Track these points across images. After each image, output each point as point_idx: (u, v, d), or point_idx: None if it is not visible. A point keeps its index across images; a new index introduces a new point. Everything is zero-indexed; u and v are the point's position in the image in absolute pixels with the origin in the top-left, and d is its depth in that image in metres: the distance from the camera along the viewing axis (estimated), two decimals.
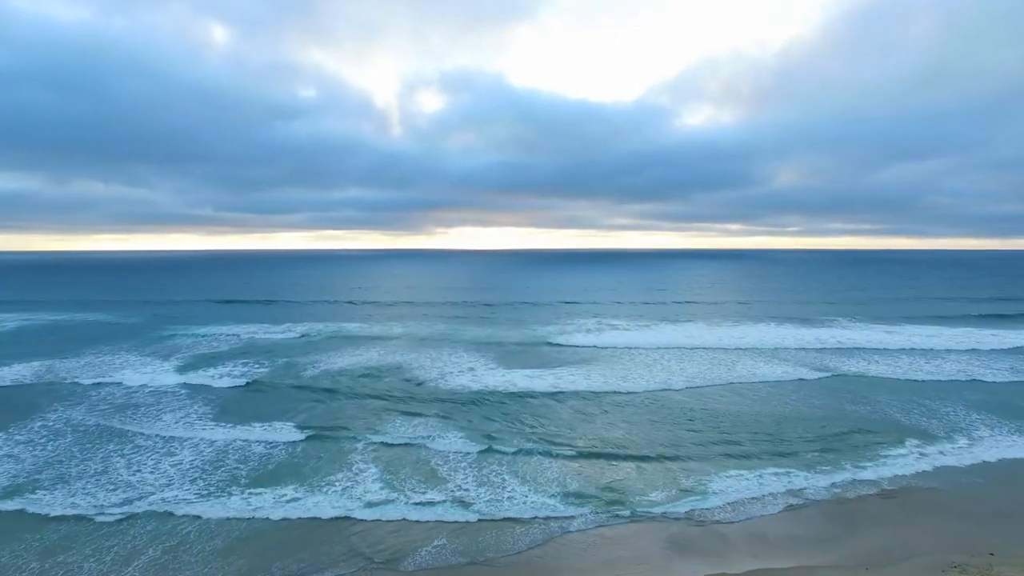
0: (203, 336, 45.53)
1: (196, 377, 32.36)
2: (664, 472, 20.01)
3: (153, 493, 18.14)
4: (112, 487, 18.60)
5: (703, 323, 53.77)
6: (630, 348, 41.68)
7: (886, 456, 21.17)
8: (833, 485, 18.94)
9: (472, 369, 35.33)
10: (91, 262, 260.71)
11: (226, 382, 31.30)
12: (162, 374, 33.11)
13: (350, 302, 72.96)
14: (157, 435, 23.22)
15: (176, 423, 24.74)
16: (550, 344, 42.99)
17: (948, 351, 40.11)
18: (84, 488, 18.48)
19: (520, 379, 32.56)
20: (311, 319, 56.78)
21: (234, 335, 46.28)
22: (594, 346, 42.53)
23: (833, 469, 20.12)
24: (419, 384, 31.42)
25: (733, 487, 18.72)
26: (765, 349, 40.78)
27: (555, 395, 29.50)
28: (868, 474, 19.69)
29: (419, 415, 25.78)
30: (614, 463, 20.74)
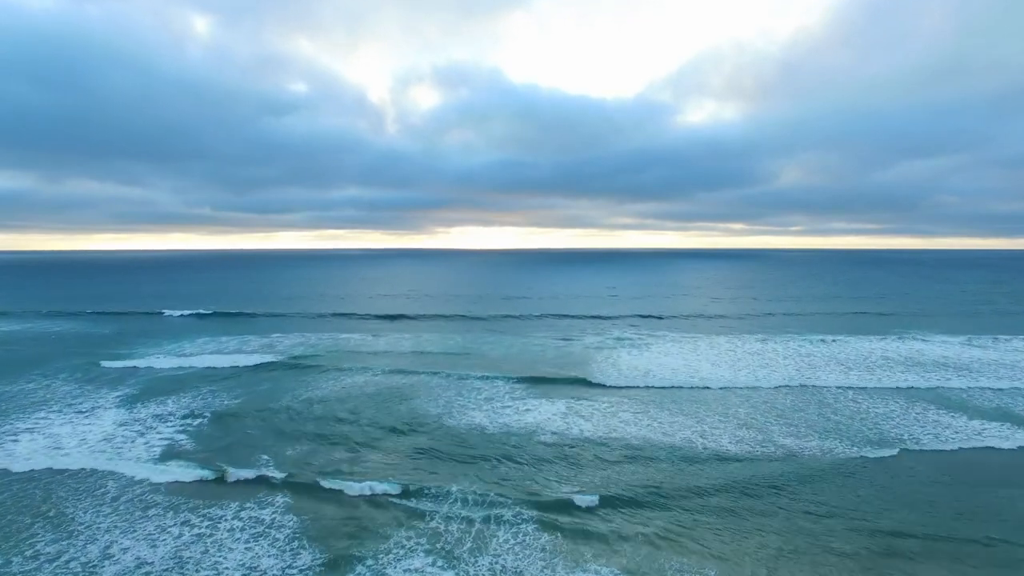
0: (164, 366, 36.43)
1: (131, 445, 22.32)
2: None
3: None
4: None
5: (772, 342, 45.46)
6: (696, 387, 32.47)
7: None
8: None
9: (495, 407, 27.64)
10: (86, 262, 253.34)
11: (168, 460, 20.84)
12: (86, 433, 23.43)
13: (345, 314, 65.05)
14: None
15: (88, 542, 16.66)
16: (588, 382, 33.53)
17: None
18: None
19: (568, 424, 24.92)
20: (301, 330, 48.87)
21: (205, 362, 38.13)
22: (640, 385, 34.15)
23: None
24: (441, 448, 23.01)
25: None
26: (884, 387, 31.01)
27: (634, 459, 21.76)
28: None
29: (450, 515, 17.46)
30: None
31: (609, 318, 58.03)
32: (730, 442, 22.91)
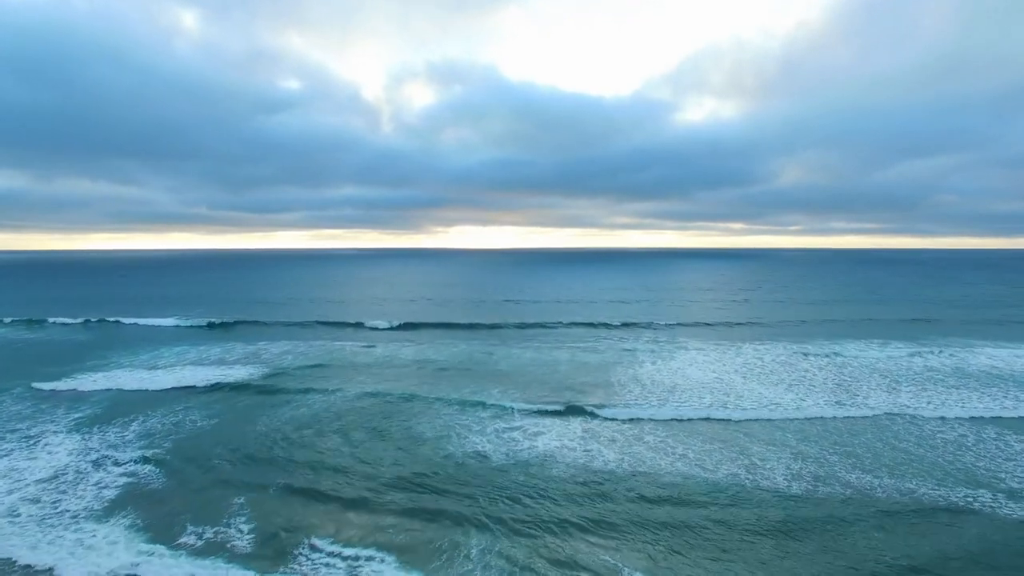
0: (133, 382, 32.05)
1: (78, 491, 18.24)
2: None
3: None
4: None
5: (802, 351, 42.01)
6: (730, 405, 29.60)
7: None
8: None
9: (502, 431, 24.00)
10: (81, 263, 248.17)
11: (123, 510, 16.94)
12: (24, 472, 19.52)
13: (339, 320, 61.31)
14: None
15: None
16: (607, 400, 30.94)
17: None
18: None
19: (591, 456, 21.29)
20: (291, 337, 45.02)
21: (180, 376, 34.36)
22: (667, 402, 30.89)
23: None
24: (449, 502, 19.57)
25: None
26: (952, 414, 26.48)
27: (678, 519, 18.10)
28: None
29: None
30: None
31: (623, 325, 54.28)
32: (784, 478, 19.40)
